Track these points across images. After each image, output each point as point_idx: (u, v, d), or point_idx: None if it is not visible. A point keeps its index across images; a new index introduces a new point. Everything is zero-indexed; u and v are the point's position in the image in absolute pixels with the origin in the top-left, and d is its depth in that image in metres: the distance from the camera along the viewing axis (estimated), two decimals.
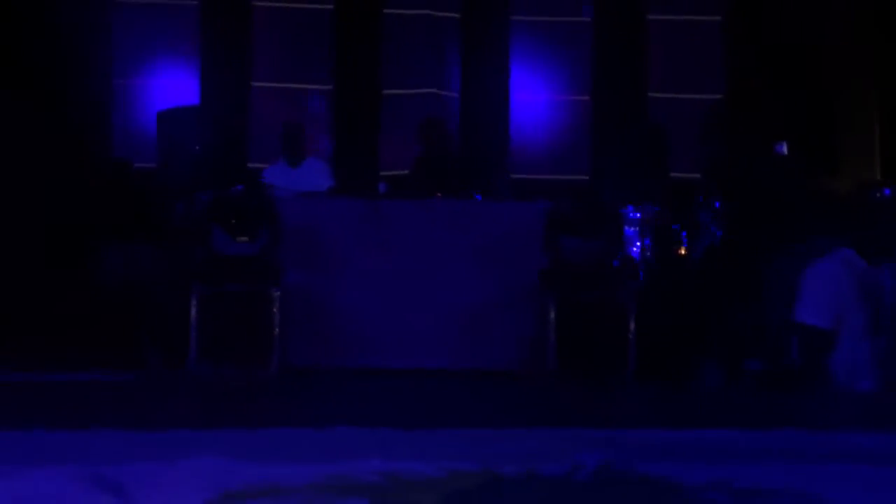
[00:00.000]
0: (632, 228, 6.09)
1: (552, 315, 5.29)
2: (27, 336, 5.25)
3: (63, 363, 5.04)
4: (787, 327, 4.58)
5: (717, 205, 6.29)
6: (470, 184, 6.00)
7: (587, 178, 7.45)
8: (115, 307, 5.65)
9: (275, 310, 5.28)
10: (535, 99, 7.88)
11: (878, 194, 5.16)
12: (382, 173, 7.28)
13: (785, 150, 6.00)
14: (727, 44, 7.43)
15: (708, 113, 7.10)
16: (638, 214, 6.15)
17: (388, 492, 1.96)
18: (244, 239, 5.43)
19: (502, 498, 1.96)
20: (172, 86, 7.40)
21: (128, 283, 5.72)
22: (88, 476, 2.04)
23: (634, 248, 6.06)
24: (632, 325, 5.25)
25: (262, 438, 2.82)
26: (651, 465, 2.31)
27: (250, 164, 7.04)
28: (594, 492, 2.07)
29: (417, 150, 6.28)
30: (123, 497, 1.92)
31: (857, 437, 3.13)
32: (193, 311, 5.24)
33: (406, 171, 6.34)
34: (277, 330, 5.26)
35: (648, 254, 6.07)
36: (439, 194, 5.84)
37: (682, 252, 6.27)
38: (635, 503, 1.94)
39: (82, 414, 3.49)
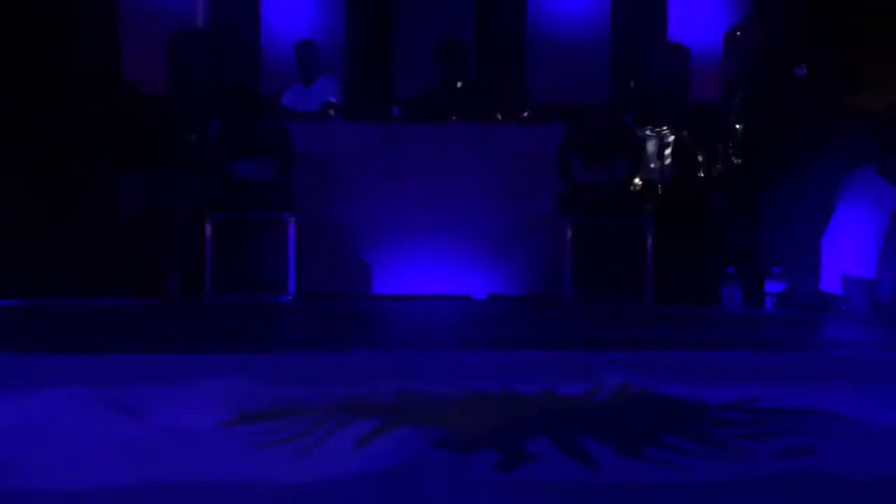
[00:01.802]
0: (651, 150, 6.01)
1: (569, 238, 5.26)
2: (45, 263, 5.27)
3: (81, 289, 5.07)
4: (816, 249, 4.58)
5: (736, 126, 6.19)
6: (489, 107, 5.90)
7: (606, 100, 7.32)
8: (133, 234, 5.66)
9: (289, 235, 5.27)
10: (553, 21, 7.71)
11: None
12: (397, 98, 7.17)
13: (804, 72, 5.87)
14: None
15: (729, 33, 6.94)
16: (657, 136, 6.06)
17: (405, 412, 1.95)
18: (252, 164, 5.39)
19: (520, 417, 1.94)
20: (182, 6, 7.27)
21: (145, 209, 5.72)
22: (105, 397, 2.04)
23: (653, 170, 5.98)
24: (650, 247, 5.21)
25: (278, 362, 2.81)
26: (671, 385, 2.29)
27: (263, 88, 6.95)
28: (614, 411, 2.05)
29: (434, 73, 6.16)
30: (139, 417, 1.91)
31: (873, 355, 3.11)
32: (208, 238, 5.23)
33: (420, 94, 6.23)
34: (293, 256, 5.25)
35: (667, 176, 6.00)
36: (455, 118, 5.76)
37: (702, 174, 6.19)
38: (655, 422, 1.92)
39: (100, 339, 3.50)
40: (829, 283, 4.55)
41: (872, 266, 4.42)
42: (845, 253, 4.50)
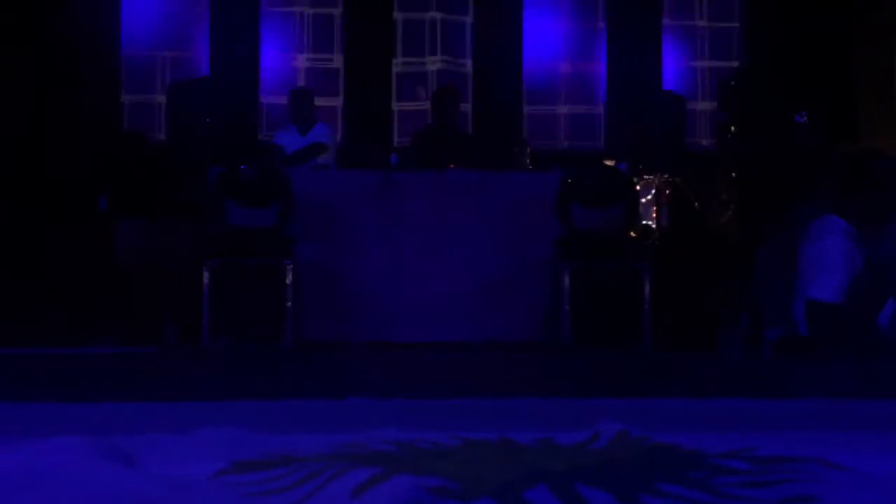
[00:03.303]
0: (648, 197, 6.04)
1: (567, 284, 5.26)
2: (43, 309, 5.26)
3: (77, 336, 5.05)
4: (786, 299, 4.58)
5: (733, 174, 6.23)
6: (481, 157, 5.96)
7: (603, 147, 7.39)
8: (131, 281, 5.66)
9: (287, 282, 5.28)
10: (550, 67, 7.80)
11: (876, 163, 5.10)
12: (395, 145, 7.23)
13: (804, 120, 5.93)
14: (747, 9, 7.33)
15: (726, 81, 7.02)
16: (654, 183, 6.10)
17: (402, 460, 1.93)
18: (253, 212, 5.42)
19: (518, 466, 1.92)
20: (183, 58, 7.36)
21: (143, 256, 5.73)
22: (99, 446, 2.02)
23: (650, 217, 6.01)
24: (648, 294, 5.22)
25: (275, 409, 2.80)
26: (670, 434, 2.27)
27: (261, 136, 7.01)
28: (612, 459, 2.03)
29: (428, 120, 6.23)
30: (134, 466, 1.89)
31: (878, 405, 3.09)
32: (206, 285, 5.24)
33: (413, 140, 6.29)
34: (290, 303, 5.25)
35: (665, 223, 6.03)
36: (453, 165, 5.80)
37: (699, 221, 6.21)
38: (654, 470, 1.90)
39: (96, 386, 3.48)
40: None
41: (839, 293, 4.36)
42: (812, 283, 4.46)
